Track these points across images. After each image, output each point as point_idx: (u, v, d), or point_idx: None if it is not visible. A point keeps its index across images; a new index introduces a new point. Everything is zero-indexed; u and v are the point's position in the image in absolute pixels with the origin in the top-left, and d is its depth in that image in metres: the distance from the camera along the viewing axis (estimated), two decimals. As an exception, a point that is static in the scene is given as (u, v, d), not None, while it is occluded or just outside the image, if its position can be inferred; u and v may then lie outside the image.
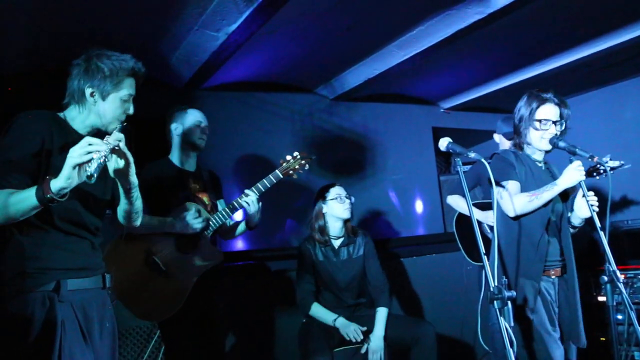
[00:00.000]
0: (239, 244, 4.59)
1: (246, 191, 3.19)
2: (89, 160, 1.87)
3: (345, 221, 3.89)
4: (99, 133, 2.25)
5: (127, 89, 2.25)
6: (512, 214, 2.92)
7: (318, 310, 3.72)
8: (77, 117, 2.24)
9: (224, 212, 3.18)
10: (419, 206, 5.72)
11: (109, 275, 2.32)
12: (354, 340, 3.55)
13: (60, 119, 2.23)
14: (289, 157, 3.28)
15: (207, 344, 3.21)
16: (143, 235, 3.02)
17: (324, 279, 3.81)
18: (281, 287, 4.31)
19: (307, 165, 3.32)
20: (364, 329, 3.63)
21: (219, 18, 3.36)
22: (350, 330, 3.58)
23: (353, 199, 3.89)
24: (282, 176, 3.24)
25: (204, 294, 3.17)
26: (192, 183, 3.30)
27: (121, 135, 2.05)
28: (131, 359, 3.65)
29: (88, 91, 2.18)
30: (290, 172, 3.27)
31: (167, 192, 3.18)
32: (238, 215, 3.65)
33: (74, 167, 1.85)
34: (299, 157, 3.29)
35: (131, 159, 2.11)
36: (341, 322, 3.64)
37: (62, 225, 2.12)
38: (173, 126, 3.33)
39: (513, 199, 2.89)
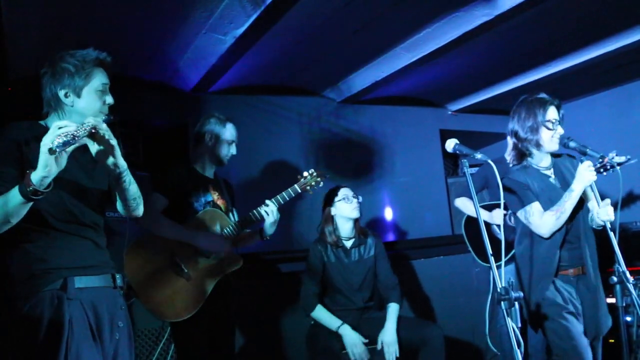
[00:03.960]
0: (249, 246, 4.59)
1: (267, 201, 3.29)
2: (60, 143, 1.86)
3: (355, 221, 3.90)
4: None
5: (98, 78, 2.22)
6: (546, 236, 2.93)
7: (322, 314, 3.71)
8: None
9: (241, 221, 3.29)
10: (426, 208, 5.70)
11: (119, 275, 2.30)
12: None
13: (41, 126, 2.21)
14: (305, 174, 3.41)
15: (219, 345, 3.24)
16: None
17: (335, 280, 3.80)
18: (290, 289, 4.31)
19: (321, 182, 3.44)
20: (366, 341, 3.61)
21: (226, 21, 3.37)
22: (357, 350, 3.54)
23: (361, 198, 3.90)
24: (300, 191, 3.37)
25: (216, 295, 3.18)
26: (212, 190, 3.37)
27: (98, 120, 2.01)
28: (140, 360, 3.66)
29: (61, 93, 2.17)
30: (307, 187, 3.39)
31: (189, 196, 3.26)
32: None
33: (48, 152, 1.83)
34: (315, 174, 3.41)
35: (114, 142, 2.07)
36: (346, 332, 3.60)
37: (59, 225, 2.13)
38: (207, 134, 3.39)
39: (541, 222, 2.91)
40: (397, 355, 3.57)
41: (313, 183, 3.41)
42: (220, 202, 3.38)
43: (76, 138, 1.89)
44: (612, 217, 2.78)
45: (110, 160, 2.08)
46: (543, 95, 3.02)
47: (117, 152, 2.09)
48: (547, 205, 2.92)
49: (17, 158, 2.07)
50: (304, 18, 3.50)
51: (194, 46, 3.76)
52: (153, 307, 2.97)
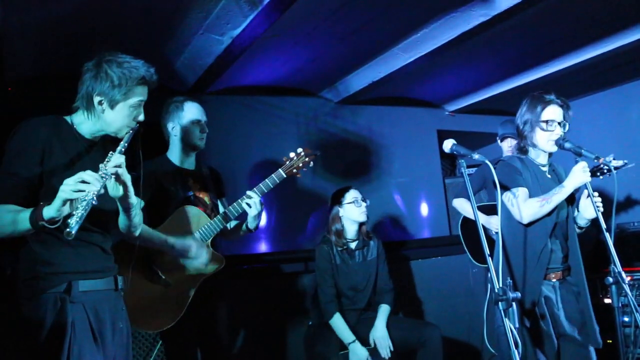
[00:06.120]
0: (246, 247, 4.60)
1: (248, 192, 3.07)
2: (78, 197, 1.88)
3: (361, 224, 3.90)
4: (107, 136, 2.27)
5: (136, 96, 2.19)
6: (525, 221, 2.93)
7: (339, 324, 3.65)
8: (84, 122, 2.21)
9: (221, 218, 3.08)
10: (424, 209, 5.71)
11: (121, 277, 2.32)
12: None
13: (66, 123, 2.21)
14: (292, 155, 3.13)
15: (210, 350, 3.15)
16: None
17: (340, 282, 3.80)
18: (288, 290, 4.31)
19: (311, 162, 3.17)
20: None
21: (223, 22, 3.37)
22: None
23: (368, 201, 3.89)
24: (285, 175, 3.10)
25: (206, 299, 3.10)
26: (192, 182, 3.20)
27: (120, 160, 2.04)
28: (136, 362, 3.65)
29: (96, 99, 2.14)
30: (294, 170, 3.12)
31: (166, 192, 3.08)
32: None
33: (64, 203, 1.87)
34: (302, 154, 3.13)
35: (129, 183, 2.10)
36: (355, 349, 3.56)
37: None
38: (169, 125, 3.20)
39: (524, 205, 2.90)
40: (392, 349, 3.57)
41: (301, 164, 3.12)
42: (202, 195, 3.21)
43: (94, 201, 1.89)
44: (600, 203, 2.81)
45: (123, 197, 2.12)
46: (547, 94, 3.00)
47: (131, 191, 2.14)
48: (537, 195, 2.93)
49: (39, 162, 2.07)
50: (301, 18, 3.50)
51: (191, 47, 3.76)
52: (133, 318, 2.71)
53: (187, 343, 3.03)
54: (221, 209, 3.27)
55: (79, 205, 1.88)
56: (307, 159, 3.14)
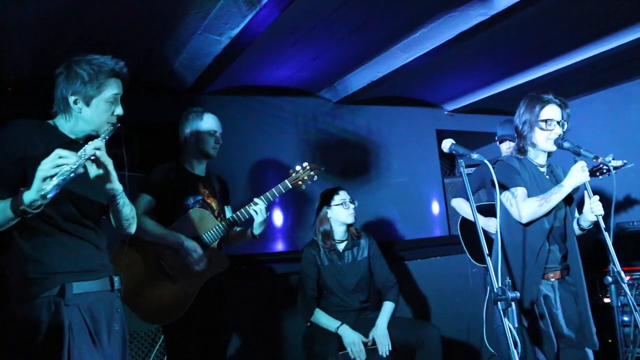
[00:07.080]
0: (246, 247, 4.59)
1: (255, 200, 3.20)
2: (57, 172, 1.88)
3: (349, 225, 3.89)
4: (92, 137, 2.26)
5: (110, 89, 2.22)
6: (524, 220, 2.92)
7: (321, 317, 3.71)
8: (65, 124, 2.23)
9: (228, 221, 3.21)
10: (423, 209, 5.70)
11: (117, 278, 2.31)
12: None
13: (49, 125, 2.23)
14: (298, 168, 3.31)
15: (211, 348, 3.22)
16: None
17: (329, 283, 3.79)
18: (286, 291, 4.31)
19: (315, 176, 3.34)
20: (368, 341, 3.63)
21: (222, 22, 3.37)
22: (356, 348, 3.55)
23: (357, 203, 3.89)
24: (291, 187, 3.27)
25: (209, 297, 3.17)
26: (202, 188, 3.31)
27: (99, 143, 2.04)
28: (135, 363, 3.65)
29: (71, 99, 2.17)
30: (299, 182, 3.29)
31: (177, 196, 3.20)
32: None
33: (44, 180, 1.85)
34: (308, 167, 3.31)
35: (110, 167, 2.10)
36: (345, 331, 3.61)
37: (65, 225, 2.13)
38: (187, 131, 3.33)
39: (523, 205, 2.90)
40: (390, 348, 3.57)
41: (306, 177, 3.30)
42: (210, 200, 3.33)
43: (74, 173, 1.90)
44: (602, 211, 2.78)
45: (106, 183, 2.12)
46: (545, 94, 3.00)
47: (113, 176, 2.12)
48: (535, 195, 2.92)
49: (21, 158, 2.06)
50: (300, 19, 3.49)
51: (189, 47, 3.75)
52: (138, 310, 2.96)
53: (188, 341, 3.10)
54: (228, 215, 3.42)
55: (57, 176, 1.88)
56: (311, 173, 3.32)
